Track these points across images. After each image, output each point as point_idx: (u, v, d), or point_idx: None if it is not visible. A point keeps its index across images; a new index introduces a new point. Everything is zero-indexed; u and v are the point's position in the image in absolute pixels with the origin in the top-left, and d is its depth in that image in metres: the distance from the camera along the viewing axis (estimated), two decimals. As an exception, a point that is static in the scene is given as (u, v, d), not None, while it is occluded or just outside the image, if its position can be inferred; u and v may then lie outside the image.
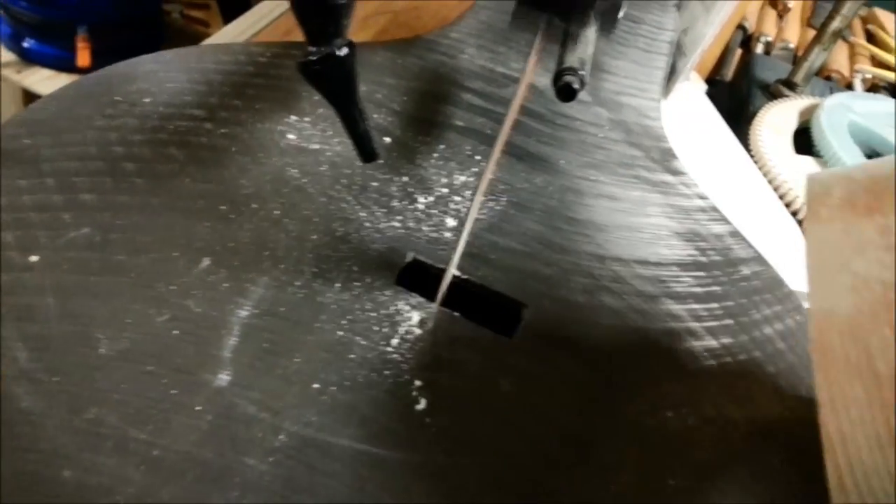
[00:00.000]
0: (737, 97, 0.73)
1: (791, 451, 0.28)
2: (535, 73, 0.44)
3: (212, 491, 0.23)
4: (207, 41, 0.58)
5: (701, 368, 0.30)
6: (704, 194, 0.39)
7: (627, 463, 0.26)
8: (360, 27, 0.58)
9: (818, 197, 0.15)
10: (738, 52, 0.79)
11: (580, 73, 0.34)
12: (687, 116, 0.69)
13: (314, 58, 0.25)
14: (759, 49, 0.78)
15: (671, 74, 0.66)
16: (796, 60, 0.69)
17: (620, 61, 0.49)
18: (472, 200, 0.27)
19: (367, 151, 0.29)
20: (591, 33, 0.36)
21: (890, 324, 0.11)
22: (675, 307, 0.32)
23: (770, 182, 0.53)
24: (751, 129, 0.60)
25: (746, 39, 0.80)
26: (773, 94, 0.69)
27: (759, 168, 0.55)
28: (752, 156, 0.56)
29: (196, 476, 0.23)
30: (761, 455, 0.28)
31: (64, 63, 0.95)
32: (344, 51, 0.26)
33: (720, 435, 0.29)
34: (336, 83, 0.26)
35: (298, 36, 0.26)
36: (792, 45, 0.77)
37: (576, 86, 0.33)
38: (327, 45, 0.25)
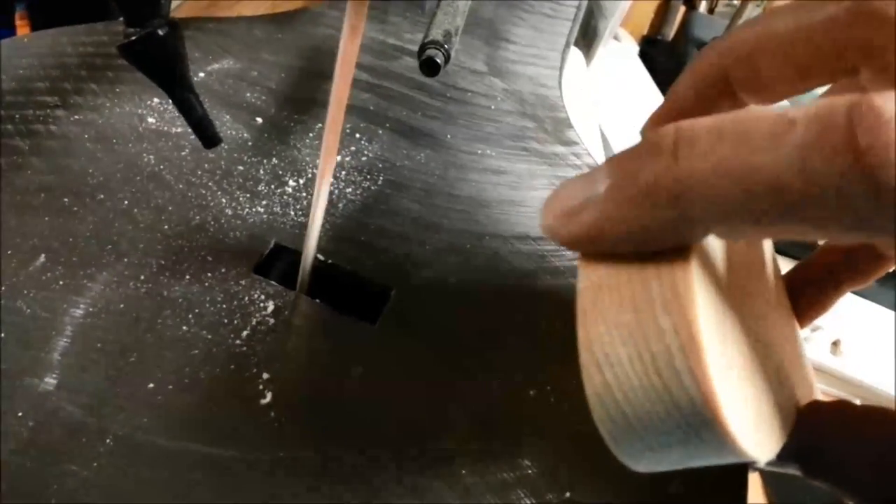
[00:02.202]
0: (676, 57, 0.72)
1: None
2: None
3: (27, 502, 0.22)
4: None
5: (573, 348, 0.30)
6: (597, 164, 0.38)
7: (470, 451, 0.26)
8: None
9: None
10: (682, 10, 0.77)
11: (444, 46, 0.32)
12: (616, 77, 0.68)
13: (133, 38, 0.24)
14: (703, 7, 0.76)
15: (593, 37, 0.65)
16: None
17: (522, 28, 0.47)
18: (320, 178, 0.25)
19: (207, 136, 0.27)
20: (462, 3, 0.35)
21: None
22: (553, 283, 0.32)
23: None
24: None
25: (690, -3, 0.78)
26: (708, 52, 0.68)
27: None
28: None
29: (10, 486, 0.22)
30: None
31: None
32: (164, 30, 0.24)
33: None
34: (160, 64, 0.25)
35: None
36: (736, 2, 0.75)
37: (439, 60, 0.32)
38: (146, 26, 0.24)
